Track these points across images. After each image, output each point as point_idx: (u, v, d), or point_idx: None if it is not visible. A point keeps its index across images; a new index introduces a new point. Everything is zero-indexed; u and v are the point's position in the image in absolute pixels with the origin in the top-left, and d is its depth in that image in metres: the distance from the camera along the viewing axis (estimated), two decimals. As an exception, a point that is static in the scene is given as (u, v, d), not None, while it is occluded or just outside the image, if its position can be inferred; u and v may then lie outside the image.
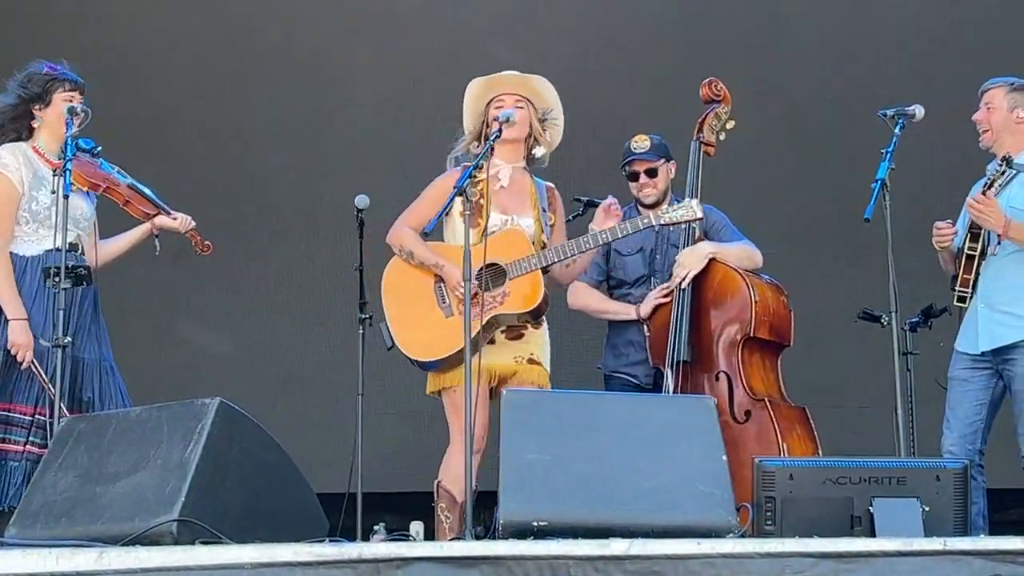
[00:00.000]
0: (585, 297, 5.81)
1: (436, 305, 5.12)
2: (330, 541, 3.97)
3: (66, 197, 5.04)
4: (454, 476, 4.97)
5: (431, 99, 8.18)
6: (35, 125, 5.39)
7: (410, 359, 5.13)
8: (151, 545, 3.76)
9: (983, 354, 5.36)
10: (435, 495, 5.09)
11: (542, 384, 5.13)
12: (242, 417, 4.20)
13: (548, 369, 5.20)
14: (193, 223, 5.52)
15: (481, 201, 5.07)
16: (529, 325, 5.13)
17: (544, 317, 5.22)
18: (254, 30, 8.44)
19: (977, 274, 5.38)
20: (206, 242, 5.59)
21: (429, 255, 5.12)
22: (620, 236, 5.15)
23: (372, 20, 8.46)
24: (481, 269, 4.96)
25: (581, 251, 5.12)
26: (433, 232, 5.07)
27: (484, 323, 4.96)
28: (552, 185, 5.36)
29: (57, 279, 5.02)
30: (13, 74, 5.42)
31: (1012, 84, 5.49)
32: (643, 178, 5.76)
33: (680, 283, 5.52)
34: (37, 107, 5.38)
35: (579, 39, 8.44)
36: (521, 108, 5.24)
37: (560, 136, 5.37)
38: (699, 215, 5.19)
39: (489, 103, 5.27)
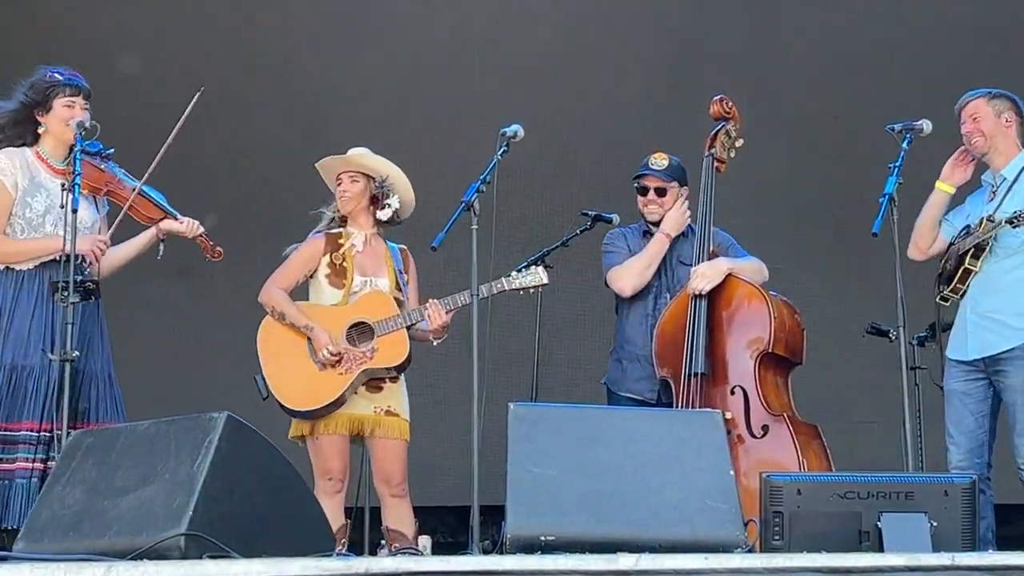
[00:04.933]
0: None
1: (309, 358, 5.39)
2: (337, 555, 3.97)
3: (75, 211, 5.03)
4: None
5: (437, 108, 8.21)
6: (41, 131, 5.38)
7: (285, 408, 5.38)
8: (159, 559, 3.76)
9: (974, 362, 5.36)
10: None
11: (403, 433, 5.44)
12: (250, 431, 4.19)
13: (408, 419, 5.48)
14: (201, 228, 5.49)
15: (344, 264, 5.44)
16: (387, 380, 5.42)
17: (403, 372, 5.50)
18: (257, 41, 8.47)
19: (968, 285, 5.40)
20: (217, 248, 5.56)
21: (299, 317, 5.44)
22: (471, 299, 5.17)
23: (373, 29, 8.48)
24: (350, 328, 5.35)
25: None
26: (297, 292, 5.52)
27: (355, 376, 5.32)
28: (405, 247, 5.67)
29: (65, 294, 4.99)
30: (19, 81, 5.41)
31: (991, 93, 5.54)
32: (651, 195, 5.75)
33: (697, 292, 5.48)
34: (39, 113, 5.36)
35: (586, 56, 8.45)
36: (356, 182, 5.58)
37: (411, 194, 5.62)
38: (545, 281, 5.48)
39: (339, 178, 5.62)
